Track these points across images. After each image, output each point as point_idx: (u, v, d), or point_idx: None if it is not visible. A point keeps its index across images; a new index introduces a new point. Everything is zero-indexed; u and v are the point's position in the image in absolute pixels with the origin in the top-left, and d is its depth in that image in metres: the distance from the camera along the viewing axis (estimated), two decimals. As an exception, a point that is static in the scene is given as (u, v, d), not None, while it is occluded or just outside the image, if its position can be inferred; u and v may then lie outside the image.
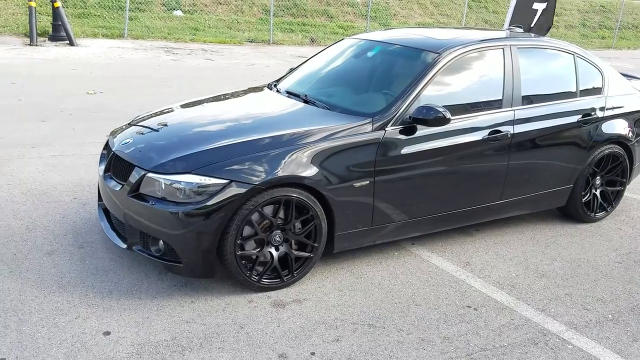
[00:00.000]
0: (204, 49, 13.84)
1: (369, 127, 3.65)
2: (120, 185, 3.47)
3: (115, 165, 3.62)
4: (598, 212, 4.91)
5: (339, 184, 3.52)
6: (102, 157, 3.90)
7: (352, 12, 19.81)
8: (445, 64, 3.95)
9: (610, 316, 3.51)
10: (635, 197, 5.62)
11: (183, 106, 4.29)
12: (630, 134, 4.86)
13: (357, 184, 3.59)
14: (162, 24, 15.77)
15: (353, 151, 3.58)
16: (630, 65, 16.65)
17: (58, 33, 12.62)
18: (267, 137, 3.51)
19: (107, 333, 3.02)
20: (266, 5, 16.83)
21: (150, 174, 3.31)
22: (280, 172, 3.34)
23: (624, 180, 4.96)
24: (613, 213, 5.11)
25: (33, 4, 11.91)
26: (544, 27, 7.68)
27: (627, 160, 4.90)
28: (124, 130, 3.96)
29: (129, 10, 15.29)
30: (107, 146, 3.92)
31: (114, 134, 3.98)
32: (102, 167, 3.76)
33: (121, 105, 7.67)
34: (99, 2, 15.82)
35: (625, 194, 5.50)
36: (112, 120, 4.42)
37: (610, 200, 4.97)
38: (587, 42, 22.37)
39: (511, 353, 3.09)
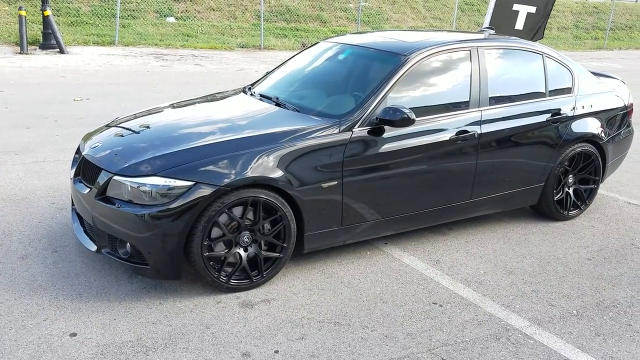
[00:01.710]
0: (194, 55, 13.92)
1: (336, 129, 3.71)
2: (89, 189, 3.52)
3: (85, 168, 3.68)
4: (571, 210, 4.95)
5: (306, 184, 3.57)
6: (74, 161, 3.96)
7: (345, 17, 19.90)
8: (412, 66, 4.01)
9: (574, 312, 3.56)
10: (611, 195, 5.66)
11: (154, 110, 4.34)
12: (602, 132, 4.90)
13: (325, 185, 3.64)
14: (154, 31, 15.85)
15: (321, 152, 3.63)
16: (620, 65, 16.74)
17: (48, 41, 12.71)
18: (234, 139, 3.57)
19: (74, 334, 3.07)
20: (259, 11, 16.91)
21: (116, 177, 3.36)
22: (248, 173, 3.39)
23: (597, 178, 5.00)
24: (587, 211, 5.15)
25: (23, 13, 12.01)
26: (531, 32, 7.54)
27: (600, 159, 4.94)
28: (96, 134, 4.02)
29: (122, 18, 15.40)
30: (78, 150, 3.98)
31: (86, 138, 4.03)
32: (73, 170, 3.81)
33: (106, 111, 7.73)
34: (91, 10, 15.92)
35: (601, 192, 5.56)
36: (95, 126, 4.50)
37: (584, 198, 5.01)
38: (580, 43, 22.46)
39: (472, 348, 3.13)
